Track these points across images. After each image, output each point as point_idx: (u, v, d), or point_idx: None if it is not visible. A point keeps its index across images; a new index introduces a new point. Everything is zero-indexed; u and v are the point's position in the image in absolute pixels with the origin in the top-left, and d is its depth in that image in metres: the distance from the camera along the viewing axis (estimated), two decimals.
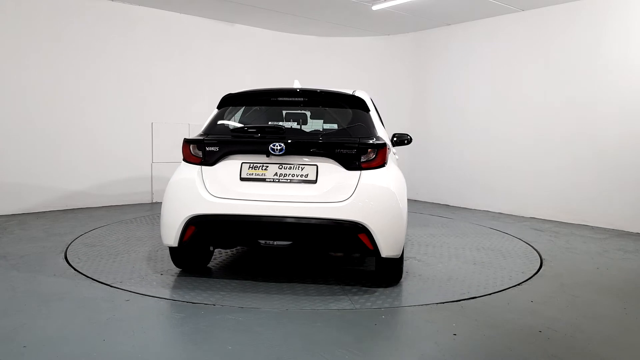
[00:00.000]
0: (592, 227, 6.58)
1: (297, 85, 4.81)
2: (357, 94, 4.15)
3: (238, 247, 5.05)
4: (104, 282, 3.90)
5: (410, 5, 7.33)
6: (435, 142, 8.79)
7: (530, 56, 7.40)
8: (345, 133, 3.94)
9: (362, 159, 3.62)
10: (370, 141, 3.68)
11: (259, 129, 3.86)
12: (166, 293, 3.67)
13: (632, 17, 6.32)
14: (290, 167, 3.63)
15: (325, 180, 3.59)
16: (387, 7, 7.42)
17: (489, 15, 7.80)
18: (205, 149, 3.72)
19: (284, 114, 4.86)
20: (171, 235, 3.65)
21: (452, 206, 8.42)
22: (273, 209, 3.50)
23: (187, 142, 3.83)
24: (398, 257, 3.70)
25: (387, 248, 3.52)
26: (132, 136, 7.87)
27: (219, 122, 4.08)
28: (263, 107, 4.51)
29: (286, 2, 7.43)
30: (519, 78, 7.55)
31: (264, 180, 3.63)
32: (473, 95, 8.20)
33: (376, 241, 3.47)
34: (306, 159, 3.64)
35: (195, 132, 8.45)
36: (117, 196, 7.75)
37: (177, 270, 4.25)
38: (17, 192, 6.83)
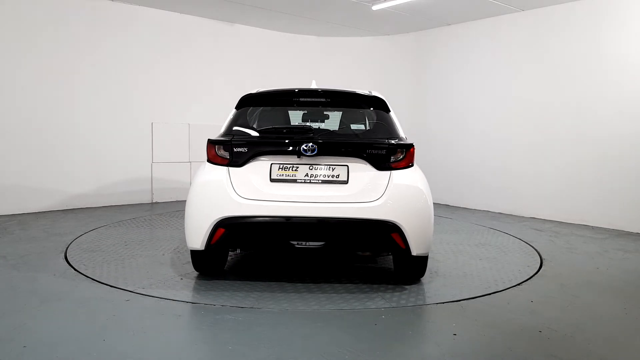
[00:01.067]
0: (592, 227, 6.58)
1: (314, 86, 4.76)
2: (375, 94, 4.17)
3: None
4: (104, 282, 3.90)
5: (410, 5, 7.33)
6: (435, 142, 8.79)
7: (530, 56, 7.40)
8: (373, 133, 4.02)
9: (392, 159, 3.68)
10: (400, 142, 3.76)
11: (288, 130, 3.86)
12: (166, 293, 3.67)
13: (631, 17, 6.32)
14: (321, 168, 3.64)
15: (356, 180, 3.62)
16: (387, 7, 7.42)
17: (489, 15, 7.80)
18: (232, 150, 3.65)
19: (301, 115, 4.80)
20: (198, 238, 3.58)
21: (452, 206, 8.42)
22: (306, 209, 3.52)
23: (212, 143, 3.73)
24: (427, 255, 3.80)
25: (417, 246, 3.60)
26: (132, 136, 7.87)
27: (240, 122, 4.00)
28: (283, 108, 4.46)
29: (286, 2, 7.42)
30: (519, 78, 7.55)
31: (294, 181, 3.62)
32: (473, 95, 8.20)
33: (408, 240, 3.55)
34: (337, 160, 3.65)
35: (195, 132, 8.48)
36: (117, 196, 7.75)
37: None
38: (17, 193, 6.83)
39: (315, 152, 3.57)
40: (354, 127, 4.44)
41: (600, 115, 6.62)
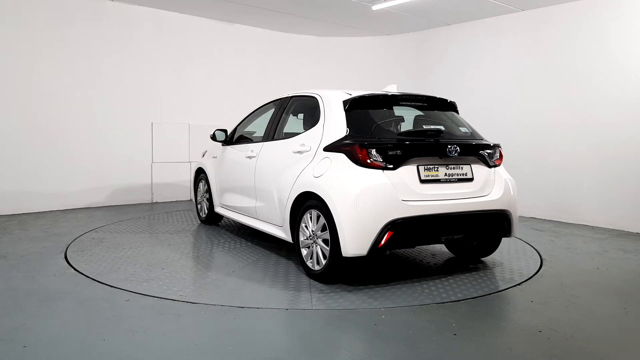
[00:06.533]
0: (592, 227, 6.58)
1: (394, 90, 4.84)
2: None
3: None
4: (104, 282, 3.90)
5: (410, 5, 7.33)
6: None
7: (530, 56, 7.40)
8: (475, 135, 4.45)
9: (494, 157, 4.26)
10: (494, 142, 4.31)
11: (420, 132, 4.18)
12: (166, 293, 3.67)
13: (632, 17, 6.31)
14: (454, 167, 4.04)
15: (477, 177, 4.13)
16: (387, 7, 7.42)
17: (489, 15, 7.80)
18: (387, 153, 3.78)
19: (413, 118, 4.79)
20: (364, 243, 3.63)
21: None
22: (454, 206, 3.91)
23: (364, 147, 3.76)
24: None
25: (514, 230, 4.27)
26: (132, 136, 7.87)
27: (364, 125, 4.09)
28: (389, 110, 4.50)
29: (286, 2, 7.42)
30: (519, 78, 7.55)
31: (438, 181, 3.95)
32: (473, 95, 8.19)
33: (512, 225, 4.23)
34: (463, 160, 4.07)
35: (195, 132, 8.48)
36: (117, 196, 7.75)
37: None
38: (17, 193, 6.84)
39: (458, 153, 3.95)
40: (462, 129, 4.62)
41: (601, 115, 6.61)
